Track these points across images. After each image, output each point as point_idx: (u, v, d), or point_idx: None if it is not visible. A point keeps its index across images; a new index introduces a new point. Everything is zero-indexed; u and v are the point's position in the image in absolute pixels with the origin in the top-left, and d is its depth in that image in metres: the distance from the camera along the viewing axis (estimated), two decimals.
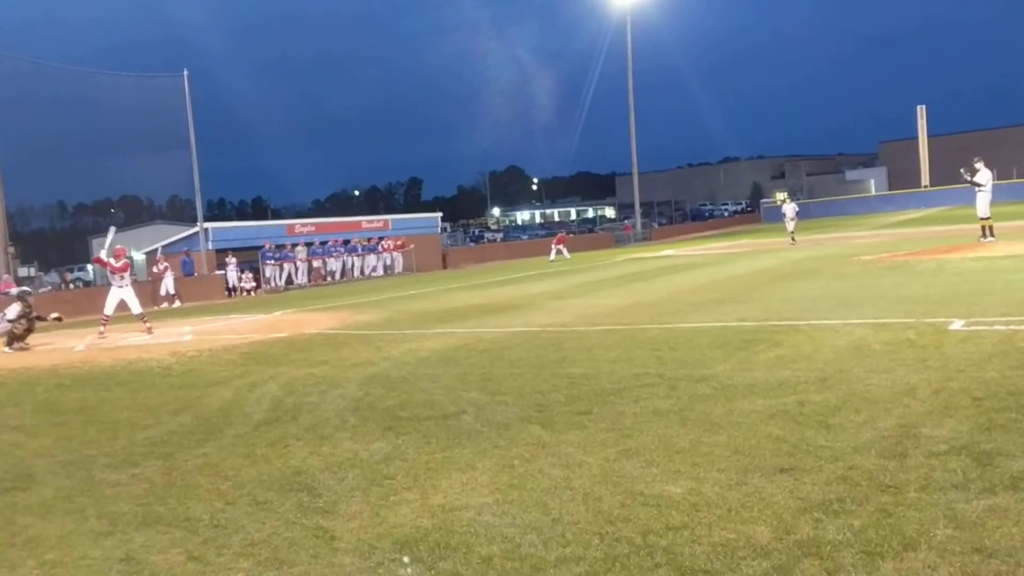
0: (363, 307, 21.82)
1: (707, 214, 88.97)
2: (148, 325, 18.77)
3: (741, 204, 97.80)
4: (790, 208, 38.78)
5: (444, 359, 11.37)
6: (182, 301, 31.04)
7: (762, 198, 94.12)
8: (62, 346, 17.71)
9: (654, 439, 6.35)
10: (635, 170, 62.46)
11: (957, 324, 10.27)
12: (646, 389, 8.15)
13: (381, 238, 44.42)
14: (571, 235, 53.78)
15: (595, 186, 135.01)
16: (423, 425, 7.52)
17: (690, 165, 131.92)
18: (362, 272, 41.79)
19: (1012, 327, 9.83)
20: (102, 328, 18.73)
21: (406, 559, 4.44)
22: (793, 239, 35.74)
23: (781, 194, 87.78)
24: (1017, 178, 71.31)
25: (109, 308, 18.77)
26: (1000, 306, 11.56)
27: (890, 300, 13.46)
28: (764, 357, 9.35)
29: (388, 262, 43.47)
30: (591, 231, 74.74)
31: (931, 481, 4.90)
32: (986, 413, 6.24)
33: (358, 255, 42.49)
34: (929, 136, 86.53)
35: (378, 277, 40.99)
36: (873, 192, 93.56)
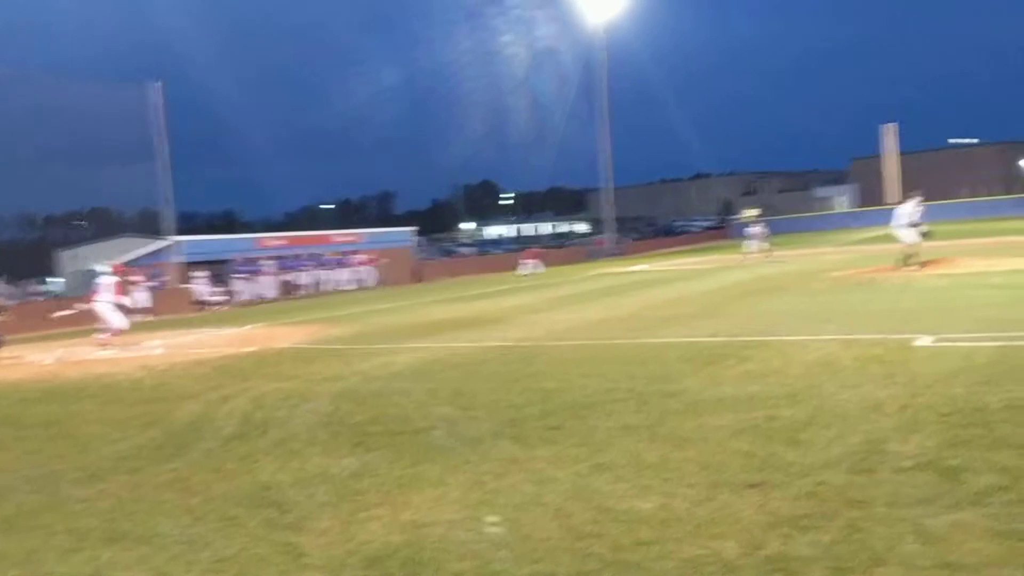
0: (334, 321, 21.74)
1: (679, 229, 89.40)
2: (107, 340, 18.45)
3: (712, 220, 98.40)
4: (756, 229, 38.01)
5: (416, 374, 11.35)
6: (154, 315, 30.73)
7: (731, 214, 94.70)
8: (31, 360, 17.50)
9: (624, 454, 6.36)
10: (609, 185, 62.76)
11: (924, 340, 10.40)
12: (617, 404, 8.18)
13: (353, 252, 44.27)
14: (544, 249, 53.83)
15: (568, 200, 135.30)
16: (394, 440, 7.50)
17: (662, 180, 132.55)
18: (333, 286, 41.63)
19: (977, 343, 9.96)
20: (107, 336, 18.37)
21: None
22: (757, 254, 35.18)
23: (752, 211, 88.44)
24: (986, 196, 72.39)
25: (118, 321, 18.45)
26: (965, 322, 11.72)
27: (858, 316, 13.61)
28: (734, 372, 9.41)
29: (360, 276, 43.33)
30: (564, 245, 74.92)
31: (898, 497, 4.95)
32: (952, 429, 6.31)
33: (329, 269, 42.32)
34: (900, 153, 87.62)
35: (350, 291, 40.83)
36: (844, 208, 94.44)
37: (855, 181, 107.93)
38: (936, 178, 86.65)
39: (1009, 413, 6.60)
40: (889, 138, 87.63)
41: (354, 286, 42.33)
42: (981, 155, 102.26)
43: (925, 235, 20.09)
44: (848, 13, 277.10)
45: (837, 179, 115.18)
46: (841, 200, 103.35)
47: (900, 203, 20.41)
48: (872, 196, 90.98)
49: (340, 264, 43.03)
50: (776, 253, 35.81)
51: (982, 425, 6.31)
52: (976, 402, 7.03)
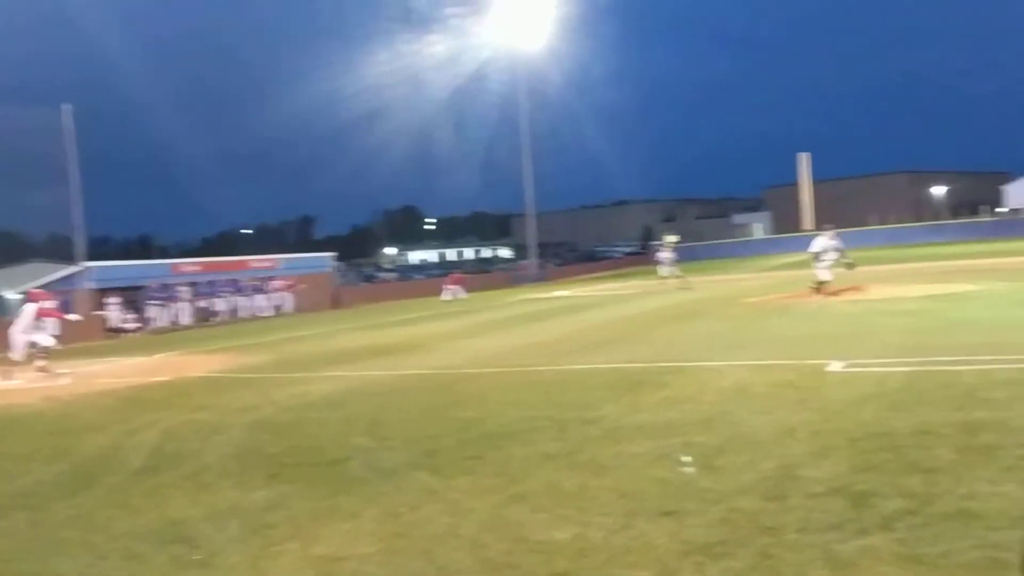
0: (250, 349, 21.35)
1: (601, 255, 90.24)
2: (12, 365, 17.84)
3: (633, 246, 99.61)
4: (665, 254, 37.13)
5: (332, 403, 11.18)
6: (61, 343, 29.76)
7: (652, 240, 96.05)
8: None
9: (542, 483, 6.34)
10: (532, 210, 63.08)
11: (835, 365, 10.62)
12: (536, 432, 8.16)
13: (270, 278, 43.63)
14: (467, 275, 53.78)
15: (492, 225, 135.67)
16: (308, 472, 7.35)
17: (585, 206, 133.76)
18: (250, 313, 40.93)
19: (886, 368, 10.21)
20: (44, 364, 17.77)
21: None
22: (671, 280, 34.98)
23: (671, 237, 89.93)
24: (896, 223, 74.74)
25: (19, 352, 17.85)
26: (876, 348, 12.01)
27: (773, 342, 13.85)
28: (652, 398, 9.48)
29: (277, 302, 42.70)
30: (487, 271, 74.96)
31: (809, 522, 5.01)
32: (862, 454, 6.43)
33: (246, 295, 41.63)
34: (814, 181, 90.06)
35: (267, 318, 40.18)
36: (761, 235, 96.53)
37: (771, 208, 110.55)
38: (848, 206, 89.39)
39: (917, 438, 6.75)
40: (803, 166, 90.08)
41: (271, 312, 41.69)
42: (891, 183, 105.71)
43: (848, 266, 20.62)
44: (763, 46, 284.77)
45: (754, 206, 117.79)
46: (758, 227, 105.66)
47: (816, 235, 20.98)
48: (787, 223, 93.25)
49: (257, 290, 42.36)
50: (687, 279, 35.64)
51: (891, 450, 6.45)
52: (885, 427, 7.19)
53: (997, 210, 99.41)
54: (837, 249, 20.26)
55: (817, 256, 20.09)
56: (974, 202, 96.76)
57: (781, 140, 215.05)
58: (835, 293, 19.35)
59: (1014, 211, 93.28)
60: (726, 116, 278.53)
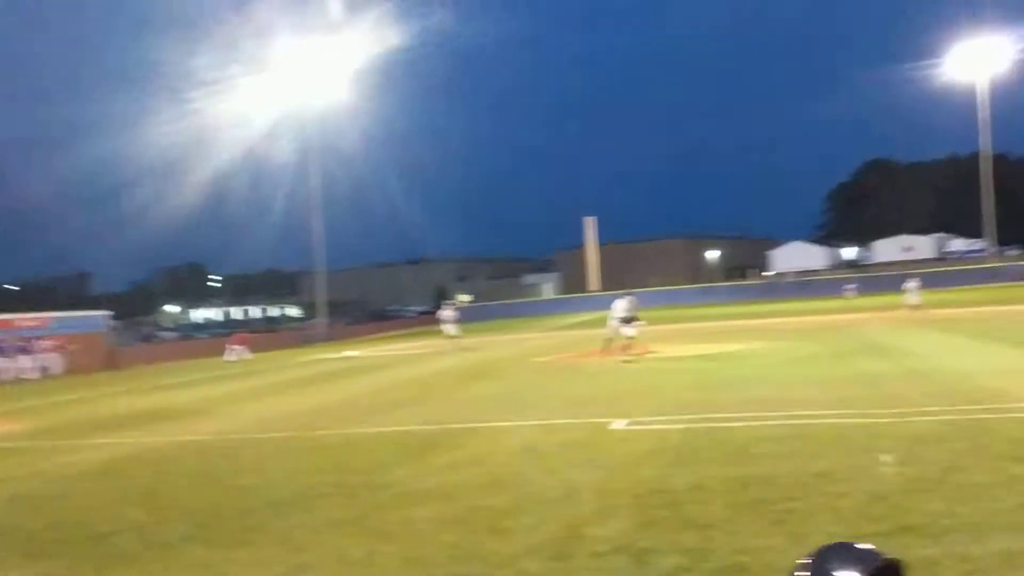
0: (12, 415, 19.70)
1: (393, 314, 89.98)
2: None
3: (426, 305, 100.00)
4: (447, 313, 37.14)
5: (103, 473, 10.44)
6: None
7: (446, 299, 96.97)
8: None
9: (328, 552, 6.13)
10: (322, 268, 62.16)
11: (619, 423, 10.95)
12: (322, 499, 7.91)
13: (38, 337, 40.66)
14: (253, 334, 52.14)
15: (283, 283, 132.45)
16: (73, 548, 6.80)
17: (378, 264, 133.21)
18: (14, 375, 37.92)
19: (666, 425, 10.63)
20: None
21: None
22: (452, 337, 35.05)
23: (465, 296, 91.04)
24: (675, 285, 78.74)
25: None
26: (657, 405, 12.51)
27: (561, 401, 14.14)
28: (442, 461, 9.42)
29: (44, 363, 39.80)
30: (275, 330, 73.00)
31: None
32: (644, 511, 6.62)
33: (10, 356, 38.58)
34: (600, 243, 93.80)
35: (33, 380, 37.34)
36: (550, 295, 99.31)
37: (560, 269, 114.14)
38: (631, 268, 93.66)
39: (694, 493, 7.03)
40: (590, 229, 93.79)
41: (38, 375, 38.80)
42: (670, 248, 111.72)
43: (638, 328, 21.19)
44: (559, 113, 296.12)
45: (544, 267, 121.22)
46: (547, 287, 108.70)
47: (619, 297, 21.64)
48: (575, 284, 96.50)
49: (22, 351, 39.36)
50: (466, 341, 35.44)
51: (669, 507, 6.67)
52: (665, 484, 7.44)
53: (764, 273, 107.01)
54: (631, 312, 20.88)
55: (619, 318, 20.68)
56: (744, 266, 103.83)
57: (573, 204, 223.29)
58: (623, 351, 19.91)
59: (779, 274, 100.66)
60: (522, 178, 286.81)
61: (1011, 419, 9.54)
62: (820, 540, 5.38)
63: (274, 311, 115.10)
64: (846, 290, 56.64)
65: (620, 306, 20.19)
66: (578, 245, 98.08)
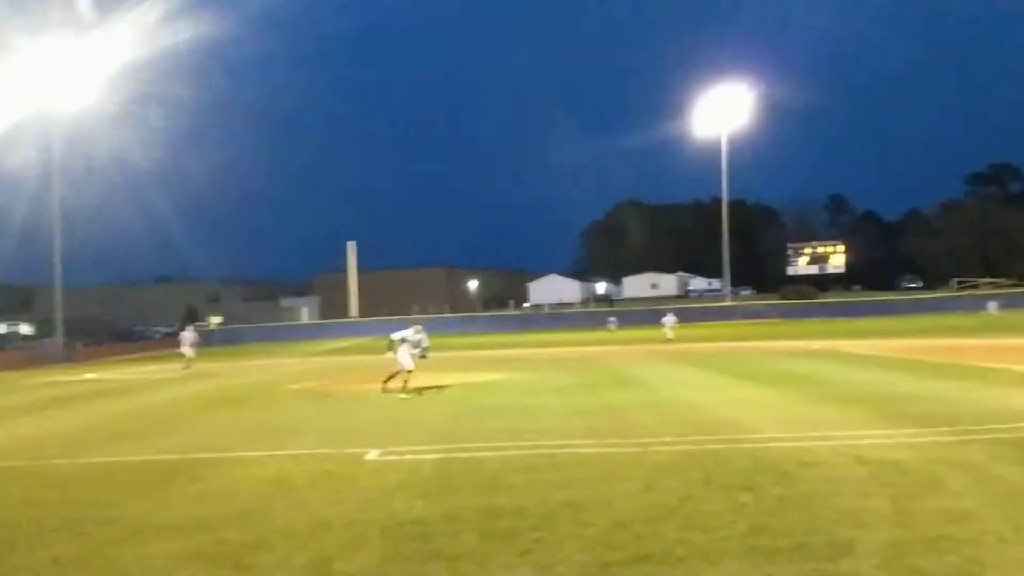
0: None
1: (138, 335, 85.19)
2: None
3: (175, 326, 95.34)
4: (188, 334, 35.85)
5: None
6: None
7: (196, 321, 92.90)
8: None
9: None
10: (58, 284, 57.90)
11: (372, 454, 10.83)
12: (47, 535, 7.30)
13: None
14: None
15: (15, 299, 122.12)
16: None
17: (124, 283, 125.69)
18: None
19: (420, 456, 10.63)
20: None
21: None
22: (189, 360, 33.88)
23: (215, 318, 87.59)
24: (435, 313, 79.32)
25: None
26: (411, 435, 12.48)
27: (314, 430, 13.82)
28: (185, 493, 8.95)
29: None
30: (3, 349, 67.20)
31: None
32: (393, 543, 6.55)
33: None
34: (360, 270, 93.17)
35: None
36: (306, 320, 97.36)
37: (319, 293, 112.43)
38: (392, 295, 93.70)
39: (445, 524, 7.04)
40: (351, 255, 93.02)
41: None
42: (431, 276, 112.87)
43: (422, 357, 20.17)
44: (320, 134, 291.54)
45: (302, 291, 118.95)
46: (304, 311, 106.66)
47: (406, 325, 20.61)
48: (335, 309, 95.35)
49: None
50: (198, 365, 34.15)
51: (419, 539, 6.64)
52: (416, 515, 7.41)
53: (524, 304, 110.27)
54: (420, 342, 19.88)
55: (406, 348, 19.43)
56: (503, 296, 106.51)
57: (335, 228, 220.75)
58: (403, 383, 19.04)
59: (536, 306, 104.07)
60: (284, 200, 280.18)
61: (741, 449, 10.25)
62: (567, 570, 5.54)
63: (1, 328, 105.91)
64: (609, 322, 59.62)
65: (406, 335, 19.33)
66: (339, 269, 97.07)
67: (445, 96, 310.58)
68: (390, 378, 19.04)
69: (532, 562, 5.96)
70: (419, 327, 19.85)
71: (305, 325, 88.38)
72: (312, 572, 5.91)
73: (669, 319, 44.38)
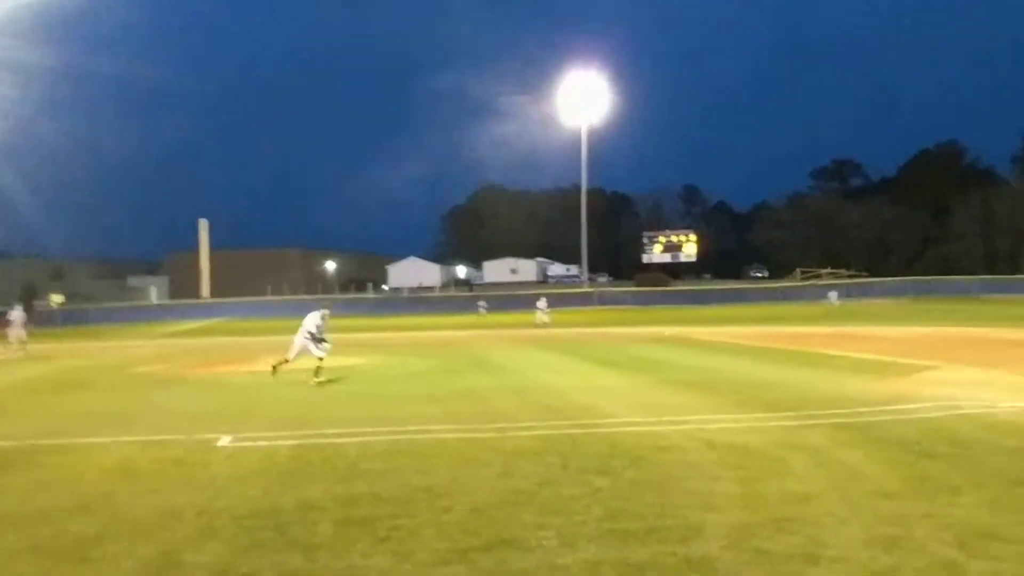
0: None
1: None
2: None
3: (9, 306, 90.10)
4: (15, 314, 33.66)
5: None
6: None
7: (35, 299, 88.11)
8: None
9: None
10: None
11: (225, 440, 10.49)
12: None
13: None
14: None
15: None
16: None
17: None
18: None
19: (276, 442, 10.36)
20: None
21: None
22: (21, 342, 31.73)
23: (57, 297, 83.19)
24: (286, 295, 77.70)
25: None
26: (266, 421, 12.17)
27: (162, 415, 13.31)
28: (20, 482, 8.45)
29: None
30: None
31: None
32: (247, 532, 6.36)
33: None
34: (212, 249, 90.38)
35: None
36: (155, 300, 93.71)
37: (170, 273, 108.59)
38: (246, 275, 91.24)
39: (301, 513, 6.88)
40: (203, 233, 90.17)
41: None
42: (286, 258, 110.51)
43: (325, 347, 18.86)
44: (171, 115, 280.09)
45: (152, 269, 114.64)
46: (153, 290, 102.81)
47: (313, 310, 19.26)
48: (187, 289, 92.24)
49: None
50: (31, 347, 32.36)
51: (274, 528, 6.46)
52: (271, 503, 7.21)
53: (383, 287, 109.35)
54: (322, 329, 18.69)
55: (312, 335, 18.22)
56: (362, 279, 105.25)
57: (186, 206, 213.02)
58: (315, 372, 17.72)
59: (395, 290, 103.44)
60: (134, 175, 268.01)
61: (598, 434, 10.42)
62: (425, 556, 5.51)
63: None
64: (480, 307, 60.03)
65: (312, 320, 18.17)
66: (190, 248, 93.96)
67: (304, 76, 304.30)
68: (281, 363, 18.18)
69: (390, 550, 5.89)
70: (325, 312, 18.77)
71: (154, 306, 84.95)
72: (160, 564, 5.67)
73: (542, 303, 45.00)
